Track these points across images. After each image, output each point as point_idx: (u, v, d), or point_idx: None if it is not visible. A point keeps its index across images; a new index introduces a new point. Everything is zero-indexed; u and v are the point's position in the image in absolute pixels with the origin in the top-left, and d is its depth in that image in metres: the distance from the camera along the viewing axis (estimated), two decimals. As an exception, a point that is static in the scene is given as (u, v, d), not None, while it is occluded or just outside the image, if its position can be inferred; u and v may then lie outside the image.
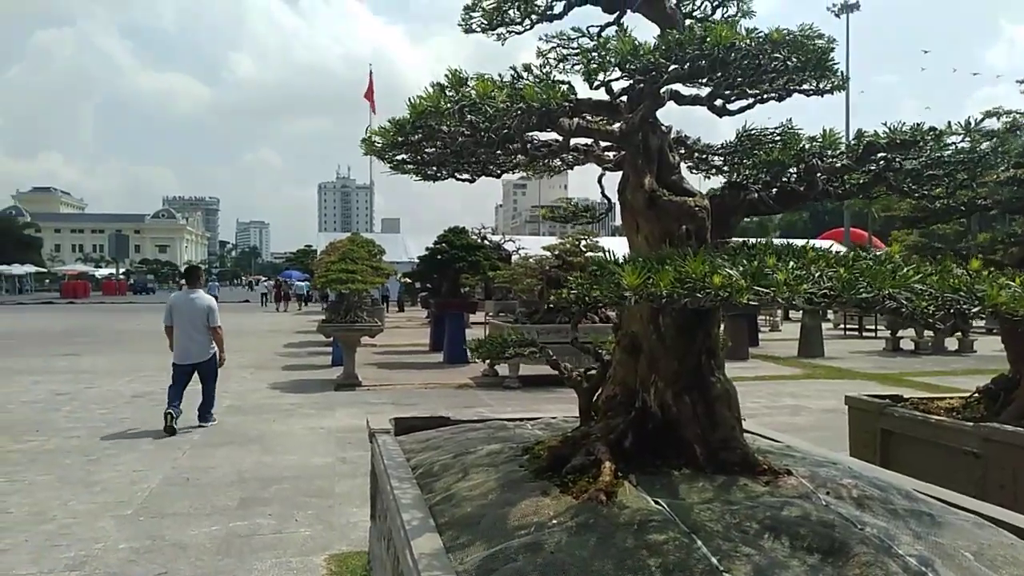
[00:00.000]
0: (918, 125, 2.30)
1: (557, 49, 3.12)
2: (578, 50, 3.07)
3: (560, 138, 2.74)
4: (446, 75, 2.77)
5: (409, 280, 21.53)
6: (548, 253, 12.09)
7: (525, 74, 2.82)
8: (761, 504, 2.13)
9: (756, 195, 2.60)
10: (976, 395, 4.44)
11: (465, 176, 2.77)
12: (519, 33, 2.93)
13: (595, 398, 2.96)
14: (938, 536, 2.02)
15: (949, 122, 2.23)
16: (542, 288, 11.71)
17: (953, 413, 4.30)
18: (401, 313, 35.40)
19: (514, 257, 22.97)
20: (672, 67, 2.01)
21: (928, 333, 17.85)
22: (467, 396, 11.08)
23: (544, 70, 2.86)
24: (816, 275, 1.46)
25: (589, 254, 11.63)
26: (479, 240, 18.80)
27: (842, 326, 23.65)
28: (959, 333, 17.65)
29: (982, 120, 2.22)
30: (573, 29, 3.06)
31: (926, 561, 1.84)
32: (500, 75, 2.82)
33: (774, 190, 2.62)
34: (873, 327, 22.16)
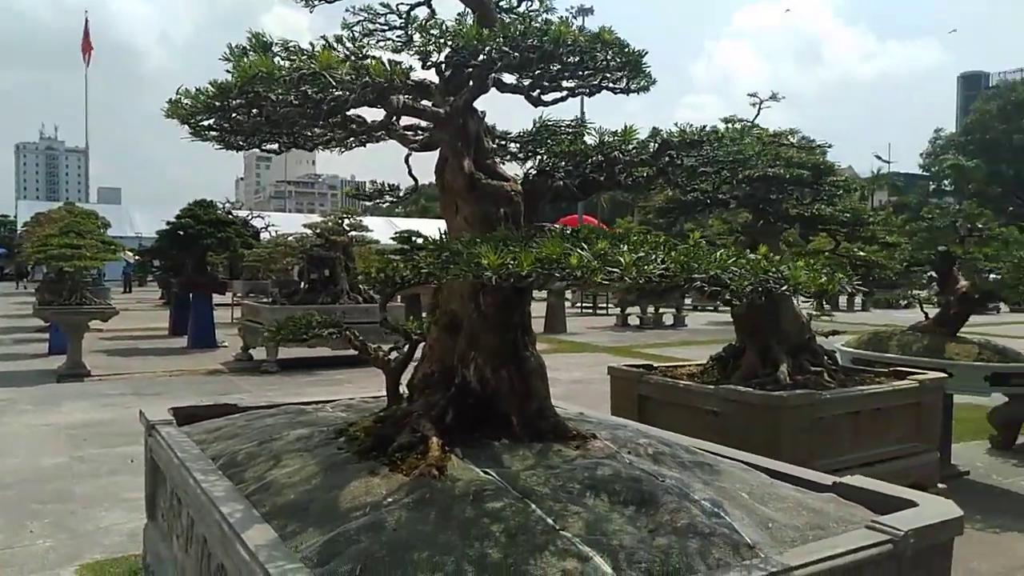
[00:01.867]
0: (703, 127, 2.65)
1: (363, 24, 3.05)
2: (386, 26, 3.04)
3: (371, 115, 2.70)
4: (249, 38, 2.58)
5: (140, 257, 19.35)
6: (309, 231, 11.66)
7: (338, 46, 2.72)
8: (577, 466, 2.32)
9: (562, 183, 2.80)
10: (711, 362, 5.19)
11: (273, 147, 2.61)
12: (330, 2, 2.81)
13: (403, 377, 2.99)
14: (720, 482, 2.37)
15: (728, 125, 2.61)
16: (303, 267, 11.27)
17: (694, 378, 4.98)
18: (128, 294, 31.78)
19: (263, 235, 21.72)
20: (509, 56, 2.09)
21: (650, 310, 20.23)
22: (221, 383, 10.34)
23: (356, 44, 2.79)
24: (656, 258, 1.65)
25: (353, 233, 11.43)
26: (226, 215, 17.50)
27: (579, 305, 25.85)
28: (675, 311, 20.26)
29: (748, 128, 2.62)
30: (382, 5, 3.01)
31: (717, 503, 2.15)
32: (312, 44, 2.70)
33: (578, 179, 2.83)
34: (605, 305, 24.55)
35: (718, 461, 2.61)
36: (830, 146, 5.25)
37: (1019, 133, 51.40)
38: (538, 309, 21.95)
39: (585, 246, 1.80)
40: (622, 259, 1.64)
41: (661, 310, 20.33)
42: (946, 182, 54.32)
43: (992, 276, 6.01)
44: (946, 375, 5.20)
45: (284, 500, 2.21)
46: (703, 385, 4.63)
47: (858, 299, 27.24)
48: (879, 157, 72.06)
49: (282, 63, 2.28)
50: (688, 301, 24.06)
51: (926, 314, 6.37)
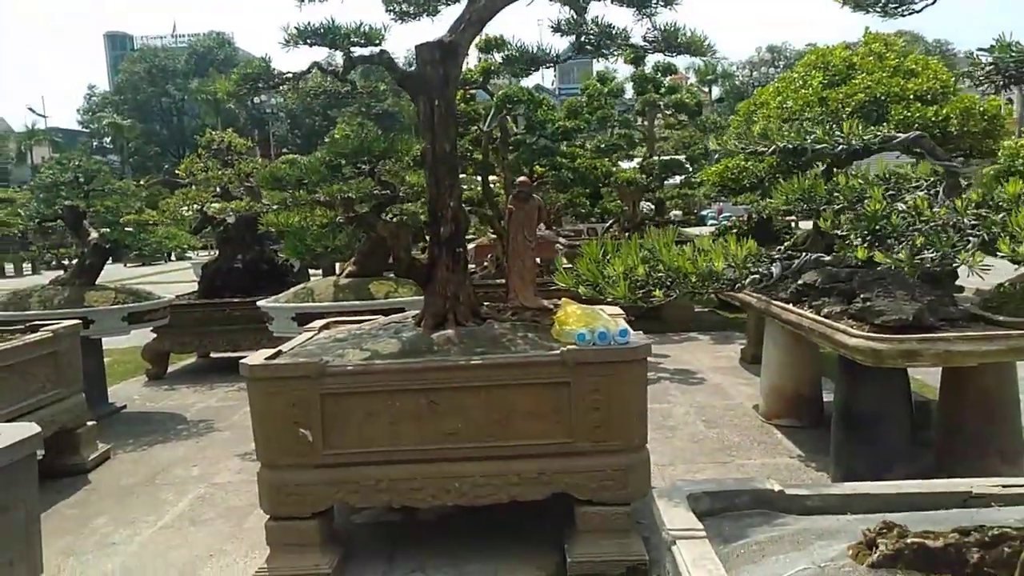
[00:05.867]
0: None
1: None
2: None
3: None
4: None
5: None
6: None
7: None
8: None
9: None
10: None
11: None
12: None
13: None
14: None
15: None
16: None
17: None
18: None
19: None
20: None
21: None
22: None
23: None
24: None
25: None
26: None
27: None
28: None
29: None
30: None
31: None
32: None
33: None
34: None
35: None
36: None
37: (166, 96, 56.20)
38: None
39: None
40: None
41: None
42: (107, 140, 55.28)
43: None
44: (82, 321, 5.57)
45: None
46: None
47: (26, 266, 25.54)
48: (33, 111, 67.73)
49: None
50: None
51: (64, 268, 6.58)
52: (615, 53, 3.43)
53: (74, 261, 7.28)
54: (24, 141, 49.30)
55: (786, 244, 5.54)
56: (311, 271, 11.47)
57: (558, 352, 3.31)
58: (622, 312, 3.92)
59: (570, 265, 2.26)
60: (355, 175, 3.67)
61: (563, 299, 3.69)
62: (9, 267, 26.28)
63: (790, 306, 4.45)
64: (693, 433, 5.42)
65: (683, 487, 2.22)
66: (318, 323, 4.54)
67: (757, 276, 1.61)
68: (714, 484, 2.31)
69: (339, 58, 3.97)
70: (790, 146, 1.96)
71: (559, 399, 3.34)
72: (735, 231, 9.29)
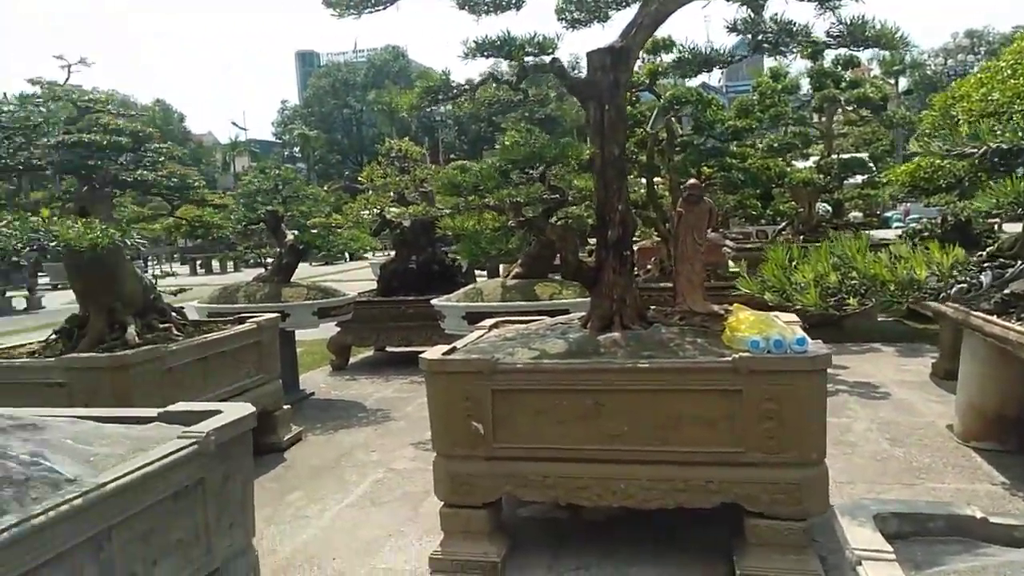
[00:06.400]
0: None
1: None
2: None
3: None
4: None
5: None
6: None
7: None
8: None
9: None
10: (54, 336, 4.97)
11: None
12: None
13: None
14: (43, 435, 2.47)
15: (4, 94, 2.59)
16: None
17: (36, 355, 4.72)
18: None
19: None
20: None
21: (-7, 296, 17.31)
22: None
23: None
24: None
25: None
26: None
27: None
28: (27, 292, 17.81)
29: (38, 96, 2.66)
30: None
31: (37, 454, 2.28)
32: None
33: None
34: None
35: (44, 421, 2.69)
36: (150, 111, 5.48)
37: (347, 108, 60.51)
38: None
39: None
40: None
41: (9, 293, 17.54)
42: (296, 149, 60.45)
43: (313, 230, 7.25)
44: (281, 315, 6.16)
45: None
46: (44, 359, 4.45)
47: (230, 264, 28.50)
48: (236, 124, 75.27)
49: None
50: (47, 280, 21.34)
51: (265, 266, 7.32)
52: (794, 51, 3.29)
53: (269, 260, 8.06)
54: (228, 152, 55.12)
55: (989, 250, 5.02)
56: (477, 272, 11.92)
57: (729, 359, 3.23)
58: (798, 319, 3.75)
59: (737, 269, 2.20)
60: (523, 180, 3.78)
61: (735, 304, 3.59)
62: (216, 265, 29.54)
63: (995, 318, 4.03)
64: (876, 451, 5.05)
65: (868, 505, 2.10)
66: (488, 322, 4.73)
67: (964, 286, 1.50)
68: (903, 505, 2.16)
69: (504, 66, 4.11)
70: (1004, 147, 1.80)
71: (730, 407, 3.26)
72: (927, 234, 8.52)
